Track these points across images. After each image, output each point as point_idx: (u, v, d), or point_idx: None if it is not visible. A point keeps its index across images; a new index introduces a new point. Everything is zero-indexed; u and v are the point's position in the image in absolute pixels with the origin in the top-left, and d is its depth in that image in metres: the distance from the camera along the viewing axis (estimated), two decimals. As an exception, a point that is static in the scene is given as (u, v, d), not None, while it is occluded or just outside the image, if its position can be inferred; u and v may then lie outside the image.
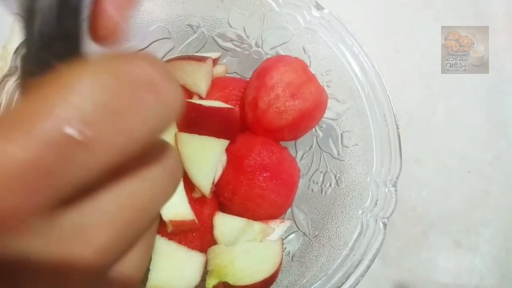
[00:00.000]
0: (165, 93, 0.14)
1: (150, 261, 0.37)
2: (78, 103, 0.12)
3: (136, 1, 0.17)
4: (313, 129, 0.46)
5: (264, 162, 0.41)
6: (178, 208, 0.38)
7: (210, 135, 0.39)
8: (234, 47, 0.49)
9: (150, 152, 0.15)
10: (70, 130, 0.12)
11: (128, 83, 0.13)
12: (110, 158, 0.13)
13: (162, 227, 0.39)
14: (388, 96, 0.43)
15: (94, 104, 0.12)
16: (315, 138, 0.47)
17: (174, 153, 0.17)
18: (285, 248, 0.44)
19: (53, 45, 0.15)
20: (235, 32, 0.47)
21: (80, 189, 0.13)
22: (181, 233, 0.39)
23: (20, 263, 0.12)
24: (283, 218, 0.45)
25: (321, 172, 0.46)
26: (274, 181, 0.41)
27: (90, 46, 0.17)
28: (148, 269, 0.37)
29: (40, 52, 0.15)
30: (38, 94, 0.12)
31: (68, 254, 0.13)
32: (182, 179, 0.39)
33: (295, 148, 0.49)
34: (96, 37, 0.17)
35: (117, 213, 0.14)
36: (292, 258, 0.43)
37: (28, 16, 0.15)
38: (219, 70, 0.48)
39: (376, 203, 0.41)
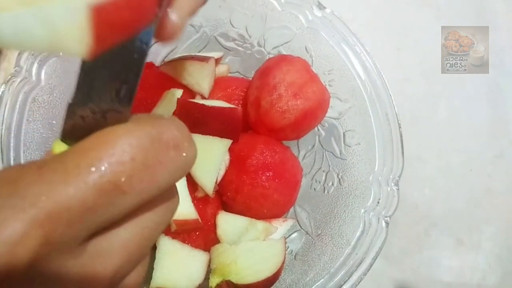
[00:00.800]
0: (185, 152, 0.18)
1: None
2: (121, 159, 0.16)
3: (195, 10, 0.21)
4: (316, 128, 0.47)
5: (266, 162, 0.42)
6: (181, 207, 0.38)
7: (213, 135, 0.40)
8: (236, 47, 0.49)
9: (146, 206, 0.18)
10: (113, 180, 0.15)
11: (159, 144, 0.17)
12: (138, 201, 0.17)
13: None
14: (390, 95, 0.43)
15: (132, 160, 0.16)
16: (317, 137, 0.48)
17: (177, 191, 0.20)
18: (288, 247, 0.44)
19: (105, 93, 0.18)
20: (237, 32, 0.47)
21: (110, 223, 0.16)
22: (184, 232, 0.40)
23: (55, 278, 0.15)
24: (286, 217, 0.45)
25: (323, 171, 0.46)
26: (276, 180, 0.41)
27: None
28: (152, 268, 0.37)
29: (91, 100, 0.18)
30: (88, 148, 0.16)
31: (92, 272, 0.16)
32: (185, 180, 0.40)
33: (298, 148, 0.49)
34: (162, 39, 0.21)
35: (130, 240, 0.17)
36: (295, 256, 0.43)
37: (89, 67, 0.18)
38: (222, 69, 0.49)
39: (378, 202, 0.41)
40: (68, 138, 0.18)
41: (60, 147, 0.18)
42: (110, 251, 0.17)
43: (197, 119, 0.39)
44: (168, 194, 0.19)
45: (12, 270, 0.14)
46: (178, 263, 0.38)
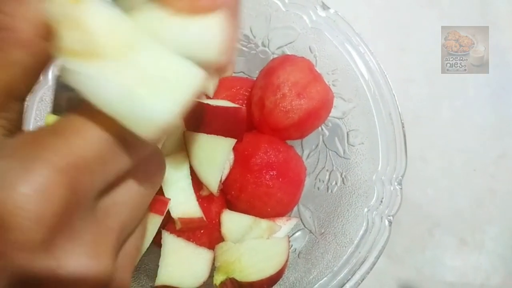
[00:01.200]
0: None
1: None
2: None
3: (237, 44, 0.24)
4: (319, 127, 0.47)
5: (270, 161, 0.42)
6: (186, 206, 0.39)
7: (217, 134, 0.40)
8: (240, 47, 0.49)
9: (142, 164, 0.21)
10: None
11: None
12: (135, 160, 0.19)
13: (171, 225, 0.39)
14: (394, 95, 0.43)
15: None
16: (321, 136, 0.48)
17: (164, 163, 0.23)
18: (292, 245, 0.44)
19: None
20: (242, 32, 0.48)
21: (116, 178, 0.18)
22: (189, 230, 0.40)
23: (79, 229, 0.17)
24: (290, 216, 0.45)
25: (327, 170, 0.46)
26: (280, 179, 0.42)
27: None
28: (157, 266, 0.38)
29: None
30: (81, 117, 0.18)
31: (105, 226, 0.18)
32: (190, 178, 0.40)
33: (302, 147, 0.49)
34: (219, 75, 0.25)
35: (131, 198, 0.20)
36: (298, 255, 0.44)
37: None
38: (226, 69, 0.49)
39: (381, 201, 0.41)
40: (60, 110, 0.20)
41: (53, 119, 0.19)
42: (115, 208, 0.19)
43: (201, 118, 0.40)
44: (156, 158, 0.23)
45: (48, 216, 0.15)
46: (183, 261, 0.38)
